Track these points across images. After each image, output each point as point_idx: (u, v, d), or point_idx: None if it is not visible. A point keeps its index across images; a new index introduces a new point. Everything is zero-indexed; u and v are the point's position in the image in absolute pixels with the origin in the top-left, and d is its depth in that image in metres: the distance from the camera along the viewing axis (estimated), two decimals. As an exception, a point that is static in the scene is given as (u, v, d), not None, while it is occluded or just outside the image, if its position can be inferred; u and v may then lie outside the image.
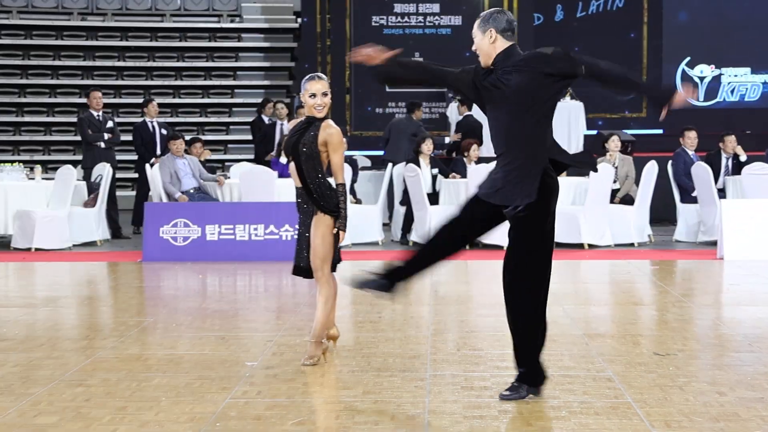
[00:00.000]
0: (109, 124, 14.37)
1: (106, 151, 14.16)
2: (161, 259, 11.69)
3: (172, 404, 5.28)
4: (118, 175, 14.83)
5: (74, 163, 14.77)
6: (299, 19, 20.33)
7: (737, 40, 19.99)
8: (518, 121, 5.21)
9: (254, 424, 4.91)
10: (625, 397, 5.38)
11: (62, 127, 19.90)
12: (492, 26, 5.31)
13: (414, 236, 13.16)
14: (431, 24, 19.08)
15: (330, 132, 6.15)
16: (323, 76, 6.32)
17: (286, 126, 15.19)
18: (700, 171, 13.21)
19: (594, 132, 17.30)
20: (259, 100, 19.68)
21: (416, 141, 13.67)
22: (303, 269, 6.35)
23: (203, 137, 17.38)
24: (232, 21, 21.25)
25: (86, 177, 13.93)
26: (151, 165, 13.54)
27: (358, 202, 13.90)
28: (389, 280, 5.57)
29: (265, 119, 15.89)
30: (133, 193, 15.72)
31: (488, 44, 5.31)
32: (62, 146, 19.84)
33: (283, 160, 13.51)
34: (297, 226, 6.43)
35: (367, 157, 16.74)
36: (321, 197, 6.17)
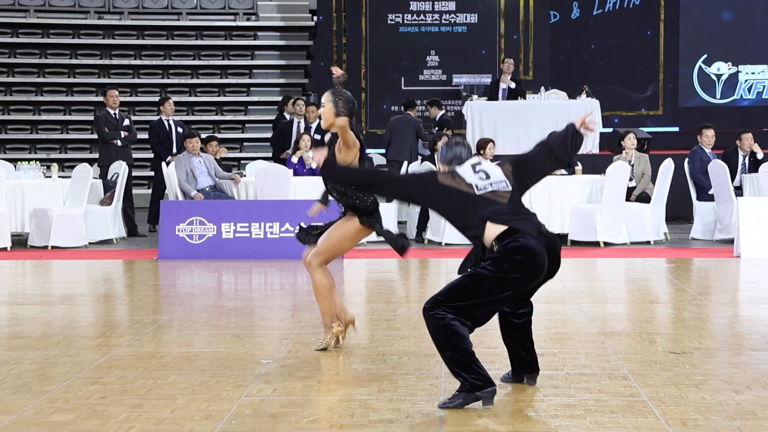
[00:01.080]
0: (126, 122, 14.40)
1: (122, 149, 14.21)
2: (177, 257, 11.72)
3: (188, 402, 5.29)
4: (134, 173, 14.88)
5: (91, 162, 14.81)
6: (315, 17, 20.34)
7: (755, 38, 19.91)
8: None
9: (269, 422, 4.92)
10: (641, 395, 5.36)
11: (79, 126, 19.97)
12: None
13: (429, 234, 13.15)
14: (447, 22, 19.05)
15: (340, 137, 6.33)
16: (326, 95, 6.41)
17: (303, 124, 15.18)
18: (717, 169, 13.16)
19: (610, 129, 17.25)
20: (275, 99, 19.74)
21: (431, 139, 13.68)
22: (303, 234, 6.58)
23: (219, 135, 17.41)
24: (248, 19, 21.28)
25: (102, 175, 13.97)
26: (167, 163, 13.57)
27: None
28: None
29: (287, 117, 15.86)
30: (149, 191, 15.76)
31: None
32: (79, 144, 19.90)
33: (295, 159, 13.56)
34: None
35: (382, 155, 16.72)
36: (347, 199, 6.35)
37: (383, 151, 15.49)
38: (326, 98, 6.36)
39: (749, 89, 19.97)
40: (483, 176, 5.30)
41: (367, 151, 15.04)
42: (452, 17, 19.05)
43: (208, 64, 20.70)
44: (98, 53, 20.57)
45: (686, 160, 13.84)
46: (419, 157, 14.47)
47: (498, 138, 15.15)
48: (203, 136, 14.25)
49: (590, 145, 16.20)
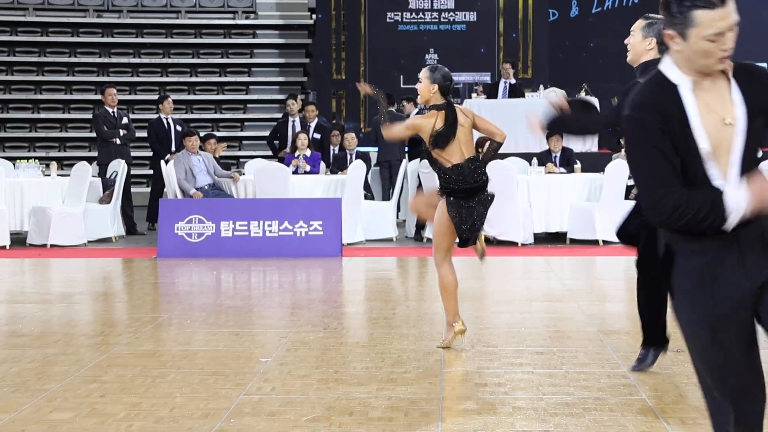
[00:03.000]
0: (124, 120, 14.40)
1: (121, 147, 14.20)
2: (176, 255, 11.71)
3: (187, 400, 5.29)
4: (133, 172, 14.87)
5: (90, 160, 14.82)
6: (314, 16, 20.34)
7: (753, 37, 19.90)
8: None
9: (268, 421, 4.92)
10: (640, 393, 5.36)
11: (78, 124, 19.96)
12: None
13: (428, 233, 13.14)
14: (446, 20, 19.05)
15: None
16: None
17: (297, 122, 15.15)
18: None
19: (609, 129, 17.21)
20: (274, 97, 19.73)
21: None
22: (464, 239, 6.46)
23: (218, 133, 17.41)
24: (246, 17, 21.27)
25: (101, 173, 13.97)
26: (166, 161, 13.57)
27: (370, 197, 13.90)
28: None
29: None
30: (148, 189, 15.76)
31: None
32: (78, 143, 19.89)
33: (293, 167, 13.56)
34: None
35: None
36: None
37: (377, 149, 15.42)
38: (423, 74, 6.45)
39: (748, 88, 19.97)
40: None
41: (367, 149, 15.10)
42: (451, 15, 19.06)
43: (207, 62, 20.70)
44: (97, 51, 20.56)
45: (685, 158, 13.83)
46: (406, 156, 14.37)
47: None
48: (202, 134, 14.25)
49: (589, 144, 16.19)
